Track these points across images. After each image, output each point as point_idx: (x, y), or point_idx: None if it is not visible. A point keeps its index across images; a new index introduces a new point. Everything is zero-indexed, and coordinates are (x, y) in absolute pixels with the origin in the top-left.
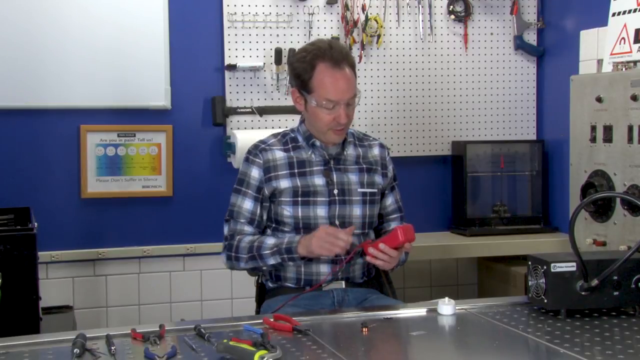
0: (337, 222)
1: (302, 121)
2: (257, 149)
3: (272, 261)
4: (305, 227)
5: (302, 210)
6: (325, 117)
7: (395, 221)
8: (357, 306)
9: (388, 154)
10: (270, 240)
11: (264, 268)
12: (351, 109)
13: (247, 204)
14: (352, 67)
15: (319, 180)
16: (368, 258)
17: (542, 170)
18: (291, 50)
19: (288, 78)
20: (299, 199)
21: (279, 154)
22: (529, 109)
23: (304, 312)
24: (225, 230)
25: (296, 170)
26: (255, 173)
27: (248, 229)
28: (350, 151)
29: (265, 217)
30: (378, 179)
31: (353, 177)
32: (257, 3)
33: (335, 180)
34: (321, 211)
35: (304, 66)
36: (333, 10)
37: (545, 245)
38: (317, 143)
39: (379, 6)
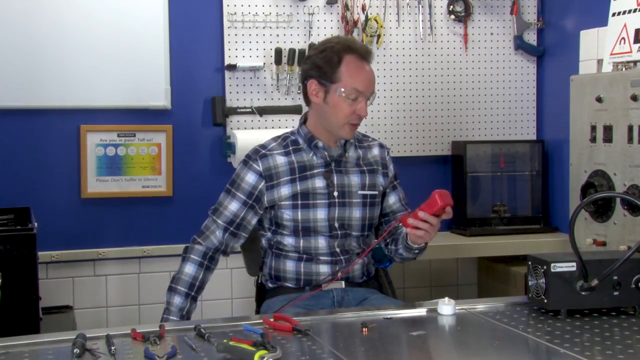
0: (336, 224)
1: (302, 123)
2: (257, 154)
3: (166, 296)
4: (305, 229)
5: (302, 213)
6: (346, 109)
7: None
8: (357, 306)
9: (388, 153)
10: (177, 299)
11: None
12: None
13: (233, 206)
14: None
15: (319, 183)
16: (409, 230)
17: (542, 170)
18: (291, 50)
19: (301, 73)
20: (299, 202)
21: (279, 160)
22: (529, 109)
23: (304, 312)
24: (206, 221)
25: (297, 176)
26: (249, 178)
27: (219, 234)
28: (351, 153)
29: (252, 221)
30: (379, 179)
31: (354, 179)
32: (257, 3)
33: (335, 182)
34: (321, 214)
35: (330, 56)
36: (333, 10)
37: (545, 245)
38: (320, 144)
39: (379, 6)
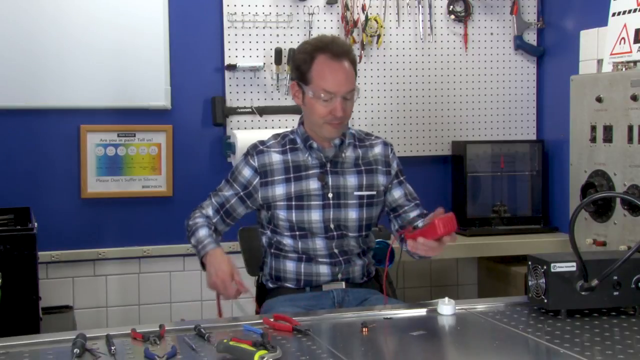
0: (332, 226)
1: (300, 123)
2: (255, 149)
3: (192, 243)
4: (301, 230)
5: (296, 214)
6: (322, 110)
7: (412, 211)
8: (357, 306)
9: (391, 150)
10: (202, 232)
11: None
12: (349, 104)
13: (228, 193)
14: (353, 62)
15: (313, 184)
16: (409, 247)
17: (542, 170)
18: (291, 50)
19: (289, 74)
20: (293, 203)
21: (275, 157)
22: (529, 109)
23: (304, 312)
24: (205, 201)
25: (292, 175)
26: (246, 172)
27: (210, 211)
28: (349, 153)
29: (241, 213)
30: (380, 179)
31: (350, 180)
32: (257, 3)
33: (330, 183)
34: (315, 215)
35: (304, 57)
36: (333, 10)
37: (545, 245)
38: (315, 145)
39: (379, 6)
